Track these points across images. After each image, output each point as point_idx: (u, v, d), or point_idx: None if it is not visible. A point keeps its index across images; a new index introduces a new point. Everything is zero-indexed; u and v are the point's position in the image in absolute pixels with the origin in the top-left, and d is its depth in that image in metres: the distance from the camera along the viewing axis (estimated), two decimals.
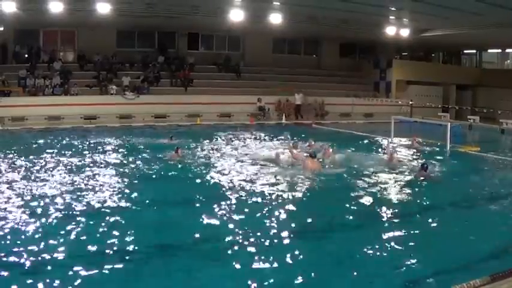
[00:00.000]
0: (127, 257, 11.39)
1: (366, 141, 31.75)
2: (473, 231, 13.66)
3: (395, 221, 14.66)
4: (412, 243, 12.54)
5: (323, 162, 22.59)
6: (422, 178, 19.89)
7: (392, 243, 12.47)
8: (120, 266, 10.92)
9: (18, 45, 43.54)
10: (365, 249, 12.01)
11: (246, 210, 15.12)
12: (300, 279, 10.45)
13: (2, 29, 40.64)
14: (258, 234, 13.03)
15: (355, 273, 10.79)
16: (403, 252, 11.94)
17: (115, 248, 11.77)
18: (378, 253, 11.88)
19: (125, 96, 41.53)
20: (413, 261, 11.34)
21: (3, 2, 31.63)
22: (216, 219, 14.25)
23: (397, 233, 13.20)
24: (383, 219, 14.78)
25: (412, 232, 13.28)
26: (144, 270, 10.80)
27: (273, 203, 16.07)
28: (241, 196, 16.76)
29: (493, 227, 14.12)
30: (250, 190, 17.61)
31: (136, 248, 11.87)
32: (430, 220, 14.80)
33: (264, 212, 15.05)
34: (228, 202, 16.02)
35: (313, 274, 10.71)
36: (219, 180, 19.27)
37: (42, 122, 36.49)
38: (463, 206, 16.70)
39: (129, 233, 12.79)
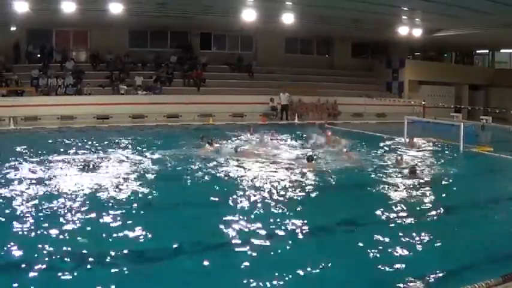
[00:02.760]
0: (143, 257, 11.44)
1: (378, 140, 31.70)
2: (485, 231, 13.62)
3: (404, 220, 14.55)
4: (422, 243, 12.49)
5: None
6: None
7: (403, 243, 12.40)
8: (134, 266, 10.96)
9: (30, 45, 43.77)
10: (373, 248, 11.99)
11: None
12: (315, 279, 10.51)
13: (14, 29, 40.89)
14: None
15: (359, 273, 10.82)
16: (413, 251, 11.90)
17: (139, 247, 11.87)
18: (389, 251, 11.84)
19: (137, 93, 41.78)
20: (423, 261, 11.34)
21: (16, 2, 31.78)
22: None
23: (406, 233, 13.09)
24: (394, 218, 14.72)
25: (421, 232, 13.17)
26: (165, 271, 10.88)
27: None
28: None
29: (505, 228, 14.06)
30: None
31: (162, 246, 11.97)
32: (440, 220, 14.79)
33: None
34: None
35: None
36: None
37: (54, 122, 36.64)
38: (477, 206, 16.61)
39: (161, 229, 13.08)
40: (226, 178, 19.52)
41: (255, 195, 16.73)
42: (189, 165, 21.60)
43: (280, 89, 44.39)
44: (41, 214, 14.09)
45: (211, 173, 20.36)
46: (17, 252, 11.29)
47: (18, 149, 24.98)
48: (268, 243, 12.40)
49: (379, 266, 11.00)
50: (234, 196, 16.52)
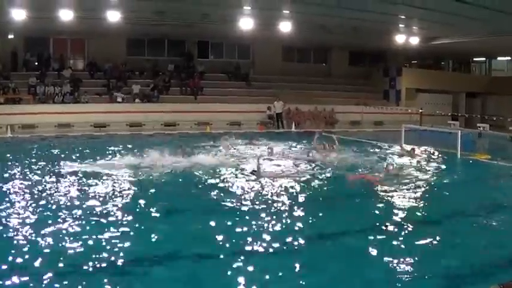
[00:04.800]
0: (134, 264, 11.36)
1: (375, 148, 31.70)
2: (482, 239, 13.60)
3: (403, 228, 14.50)
4: (420, 251, 12.39)
5: None
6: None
7: (400, 250, 12.35)
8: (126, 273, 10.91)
9: (28, 53, 43.79)
10: (367, 257, 11.98)
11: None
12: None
13: (12, 36, 40.89)
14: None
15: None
16: (410, 259, 11.74)
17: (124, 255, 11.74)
18: (384, 259, 11.76)
19: (134, 102, 41.93)
20: (420, 269, 11.23)
21: (14, 10, 31.84)
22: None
23: (404, 240, 13.08)
24: (392, 225, 14.66)
25: (416, 240, 13.13)
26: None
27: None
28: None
29: (503, 236, 14.06)
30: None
31: (151, 253, 11.80)
32: (435, 227, 14.72)
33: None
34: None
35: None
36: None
37: (52, 130, 36.62)
38: (472, 214, 16.57)
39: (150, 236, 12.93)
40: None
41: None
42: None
43: (275, 98, 44.36)
44: (29, 221, 14.01)
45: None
46: None
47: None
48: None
49: (371, 274, 10.94)
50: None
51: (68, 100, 40.62)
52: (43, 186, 18.49)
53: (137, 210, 15.61)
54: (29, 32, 40.58)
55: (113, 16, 34.32)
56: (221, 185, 19.43)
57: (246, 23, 37.17)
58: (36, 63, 43.97)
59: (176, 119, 41.67)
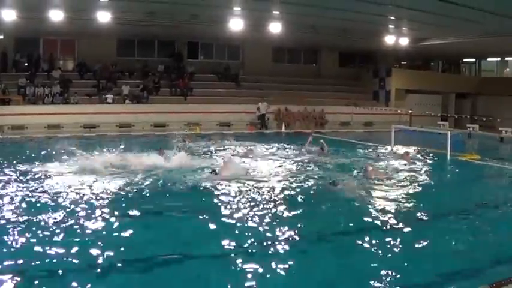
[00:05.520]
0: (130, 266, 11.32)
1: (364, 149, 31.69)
2: (472, 239, 13.64)
3: (386, 228, 14.41)
4: (408, 252, 12.43)
5: None
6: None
7: (388, 251, 12.35)
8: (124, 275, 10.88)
9: (18, 54, 43.67)
10: (355, 257, 12.04)
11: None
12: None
13: (2, 37, 40.71)
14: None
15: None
16: (400, 260, 11.81)
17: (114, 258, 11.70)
18: (377, 261, 11.73)
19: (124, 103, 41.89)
20: (410, 270, 11.24)
21: (4, 10, 31.74)
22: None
23: (393, 241, 13.03)
24: (381, 226, 14.64)
25: (405, 241, 13.14)
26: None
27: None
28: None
29: (492, 236, 14.08)
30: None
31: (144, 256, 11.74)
32: (425, 228, 14.76)
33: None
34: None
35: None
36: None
37: (42, 131, 36.51)
38: (462, 213, 16.59)
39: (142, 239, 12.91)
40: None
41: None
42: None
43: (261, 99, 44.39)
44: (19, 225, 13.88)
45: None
46: None
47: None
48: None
49: (359, 275, 10.95)
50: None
51: (57, 101, 40.53)
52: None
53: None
54: (19, 32, 40.50)
55: (103, 17, 34.25)
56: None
57: (236, 24, 37.14)
58: (26, 64, 43.86)
59: (166, 119, 41.63)
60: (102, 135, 36.20)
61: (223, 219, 14.88)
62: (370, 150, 30.96)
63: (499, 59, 60.13)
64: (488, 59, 60.83)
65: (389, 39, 42.82)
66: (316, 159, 25.86)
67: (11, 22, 33.45)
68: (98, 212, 15.09)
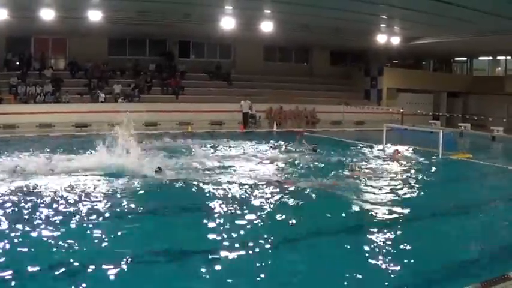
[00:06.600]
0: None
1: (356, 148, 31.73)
2: (463, 237, 13.69)
3: (376, 227, 14.35)
4: (400, 251, 12.43)
5: None
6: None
7: (379, 251, 12.37)
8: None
9: (9, 53, 43.48)
10: (343, 257, 12.06)
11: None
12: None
13: None
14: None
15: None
16: (391, 259, 11.81)
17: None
18: (366, 260, 11.76)
19: (118, 102, 41.72)
20: (401, 269, 11.24)
21: None
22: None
23: (384, 240, 13.05)
24: (370, 224, 14.59)
25: (395, 239, 13.16)
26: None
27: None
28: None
29: (483, 233, 14.15)
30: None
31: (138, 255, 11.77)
32: (415, 227, 14.79)
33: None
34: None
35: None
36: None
37: (33, 130, 36.37)
38: (456, 212, 16.63)
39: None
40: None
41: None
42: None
43: (247, 98, 44.28)
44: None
45: None
46: None
47: None
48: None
49: (347, 275, 10.88)
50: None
51: (49, 100, 40.42)
52: None
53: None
54: (11, 31, 40.28)
55: (95, 16, 34.18)
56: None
57: (228, 23, 37.15)
58: (18, 63, 43.69)
59: (157, 118, 41.50)
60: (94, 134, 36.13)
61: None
62: (360, 148, 31.06)
63: (490, 58, 60.26)
64: (480, 58, 60.91)
65: (381, 38, 42.91)
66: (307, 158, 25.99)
67: (2, 21, 33.34)
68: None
